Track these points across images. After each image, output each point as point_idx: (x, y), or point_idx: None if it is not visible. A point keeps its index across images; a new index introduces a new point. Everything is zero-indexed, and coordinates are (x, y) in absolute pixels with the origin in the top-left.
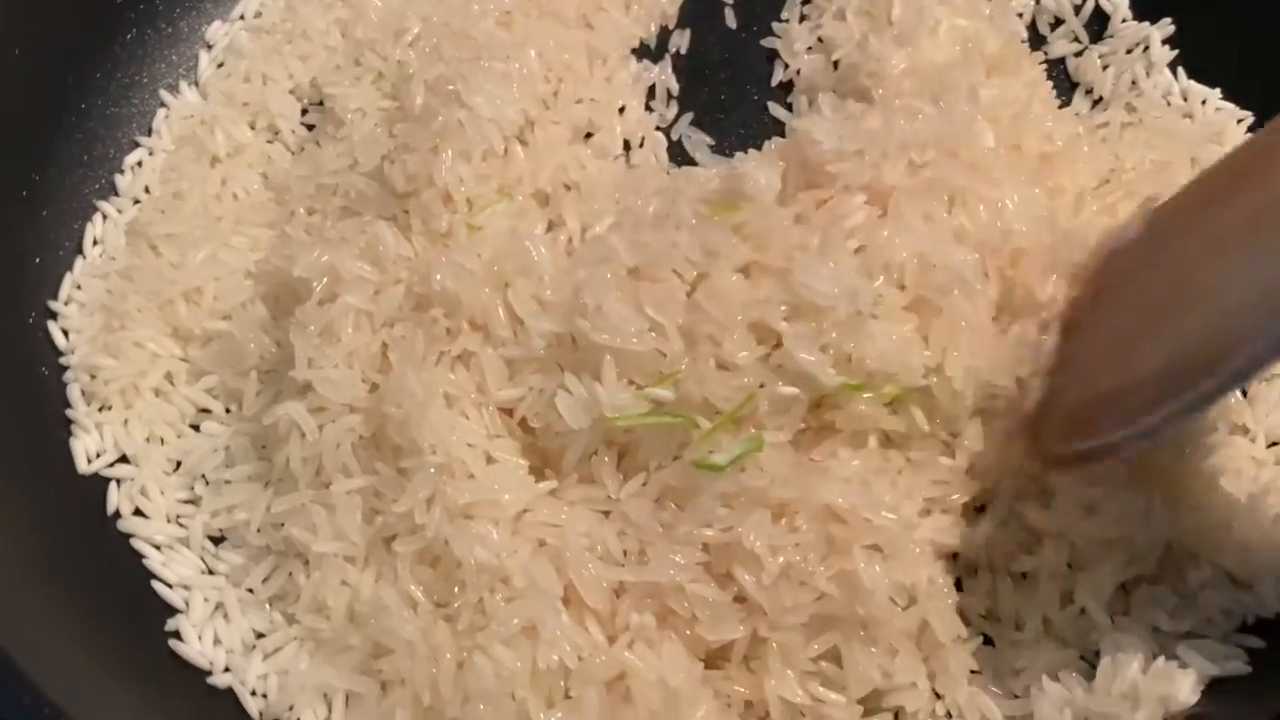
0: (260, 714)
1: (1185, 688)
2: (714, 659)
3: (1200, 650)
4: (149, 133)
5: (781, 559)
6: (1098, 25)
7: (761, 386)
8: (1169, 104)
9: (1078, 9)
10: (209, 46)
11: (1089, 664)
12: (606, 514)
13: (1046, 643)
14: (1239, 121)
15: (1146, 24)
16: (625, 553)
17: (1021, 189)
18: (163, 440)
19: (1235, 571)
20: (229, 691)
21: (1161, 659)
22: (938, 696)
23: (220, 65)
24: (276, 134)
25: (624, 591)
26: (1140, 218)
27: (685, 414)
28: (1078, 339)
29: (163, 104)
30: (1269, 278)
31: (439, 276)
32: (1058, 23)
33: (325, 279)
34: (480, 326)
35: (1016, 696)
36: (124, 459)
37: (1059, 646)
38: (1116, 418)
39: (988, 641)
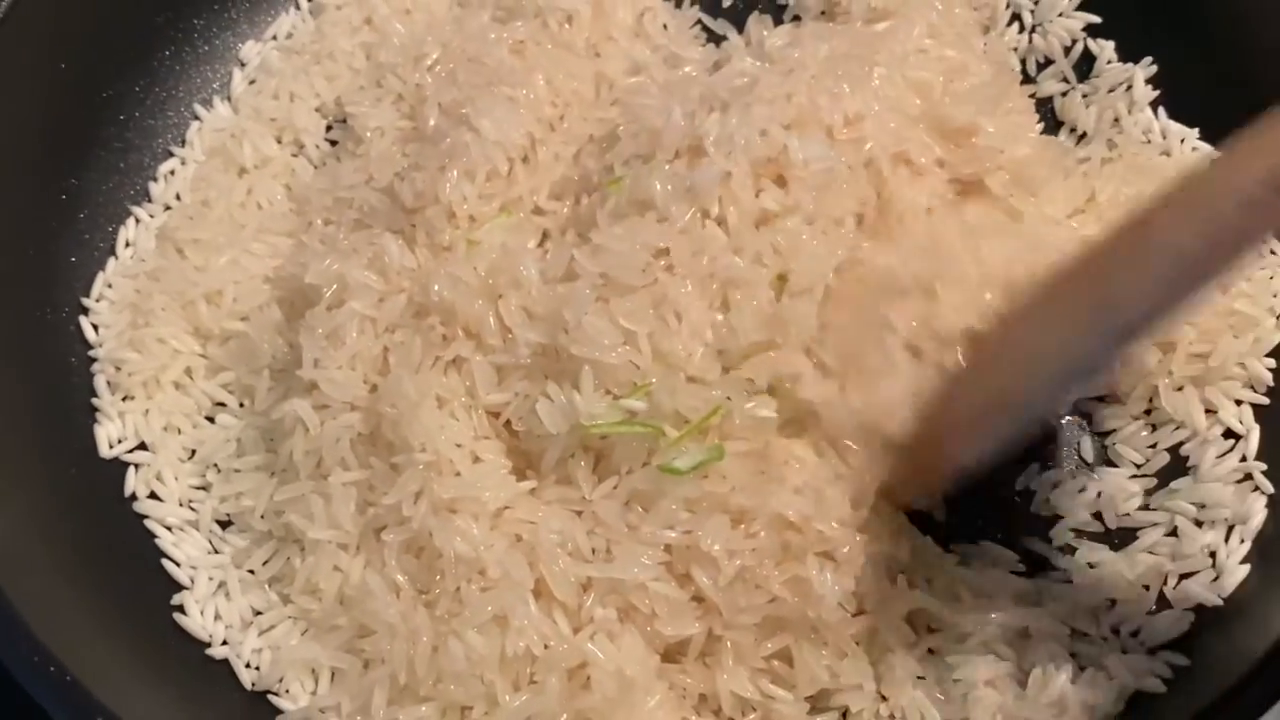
0: (253, 684)
1: (1109, 699)
2: (671, 653)
3: (1127, 664)
4: (183, 143)
5: (738, 562)
6: (1085, 66)
7: (729, 399)
8: (1148, 141)
9: (1067, 50)
10: (242, 64)
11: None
12: (579, 514)
13: (986, 655)
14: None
15: (1131, 65)
16: (594, 550)
17: None
18: (180, 430)
19: None
20: (225, 662)
21: (1090, 670)
22: (883, 698)
23: (252, 82)
24: (301, 148)
25: (590, 586)
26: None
27: (655, 423)
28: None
29: (196, 117)
30: (1059, 339)
31: (437, 287)
32: (1047, 63)
33: (334, 286)
34: (473, 335)
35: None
36: (143, 446)
37: (997, 659)
38: (932, 454)
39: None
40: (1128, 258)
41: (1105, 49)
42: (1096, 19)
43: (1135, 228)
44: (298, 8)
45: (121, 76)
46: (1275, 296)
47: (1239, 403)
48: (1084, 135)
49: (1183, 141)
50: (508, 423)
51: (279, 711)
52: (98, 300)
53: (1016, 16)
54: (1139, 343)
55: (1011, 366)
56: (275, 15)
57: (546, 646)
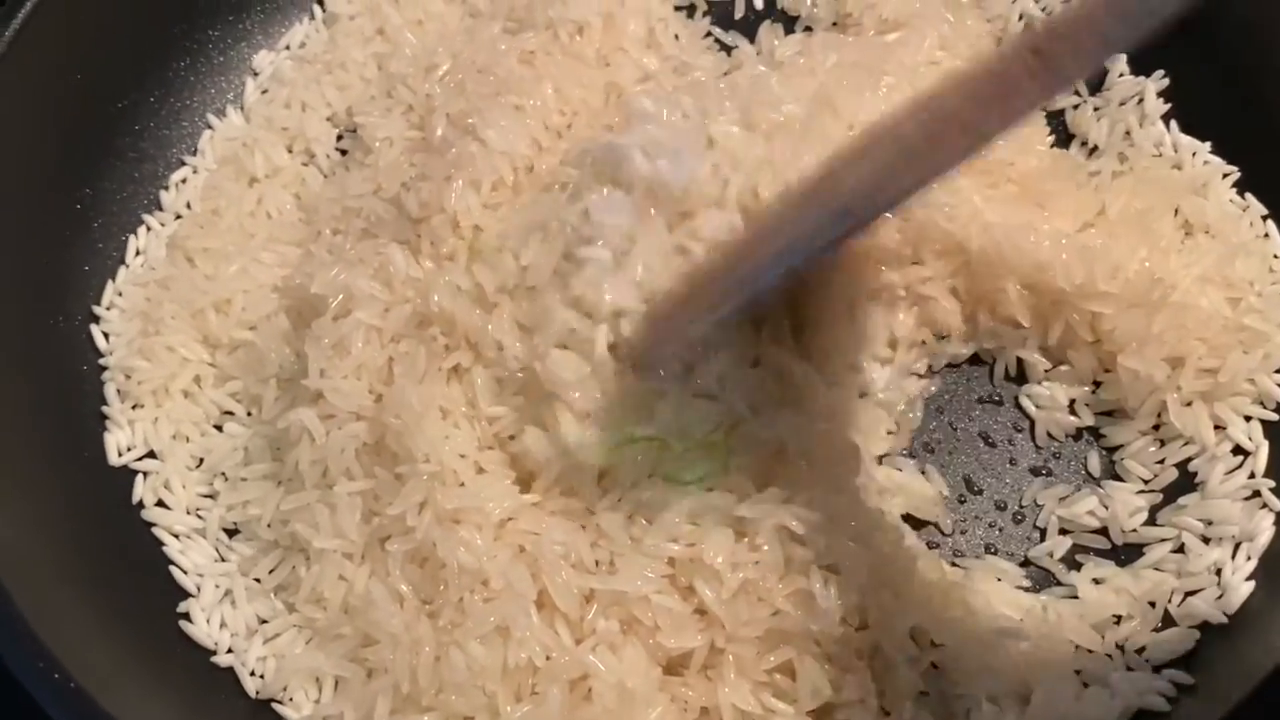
0: (257, 692)
1: (1112, 716)
2: (674, 666)
3: (1131, 681)
4: (195, 153)
5: (741, 575)
6: (1097, 79)
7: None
8: (1160, 154)
9: None
10: (255, 74)
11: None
12: (583, 526)
13: (989, 670)
14: (1225, 176)
15: (1143, 78)
16: (597, 562)
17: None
18: (188, 438)
19: None
20: (229, 670)
21: (1094, 687)
22: (885, 713)
23: (264, 92)
24: (312, 158)
25: (593, 598)
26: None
27: (660, 436)
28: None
29: (210, 127)
30: (784, 216)
31: (436, 297)
32: None
33: (340, 296)
34: (472, 345)
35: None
36: (151, 454)
37: (1001, 675)
38: (663, 324)
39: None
40: (859, 147)
41: (1117, 62)
42: None
43: (874, 127)
44: (312, 18)
45: (137, 86)
46: None
47: (1248, 419)
48: (1095, 148)
49: (1194, 155)
50: (512, 434)
51: None
52: (108, 308)
53: (1029, 28)
54: (862, 225)
55: (744, 245)
56: (289, 25)
57: (548, 658)
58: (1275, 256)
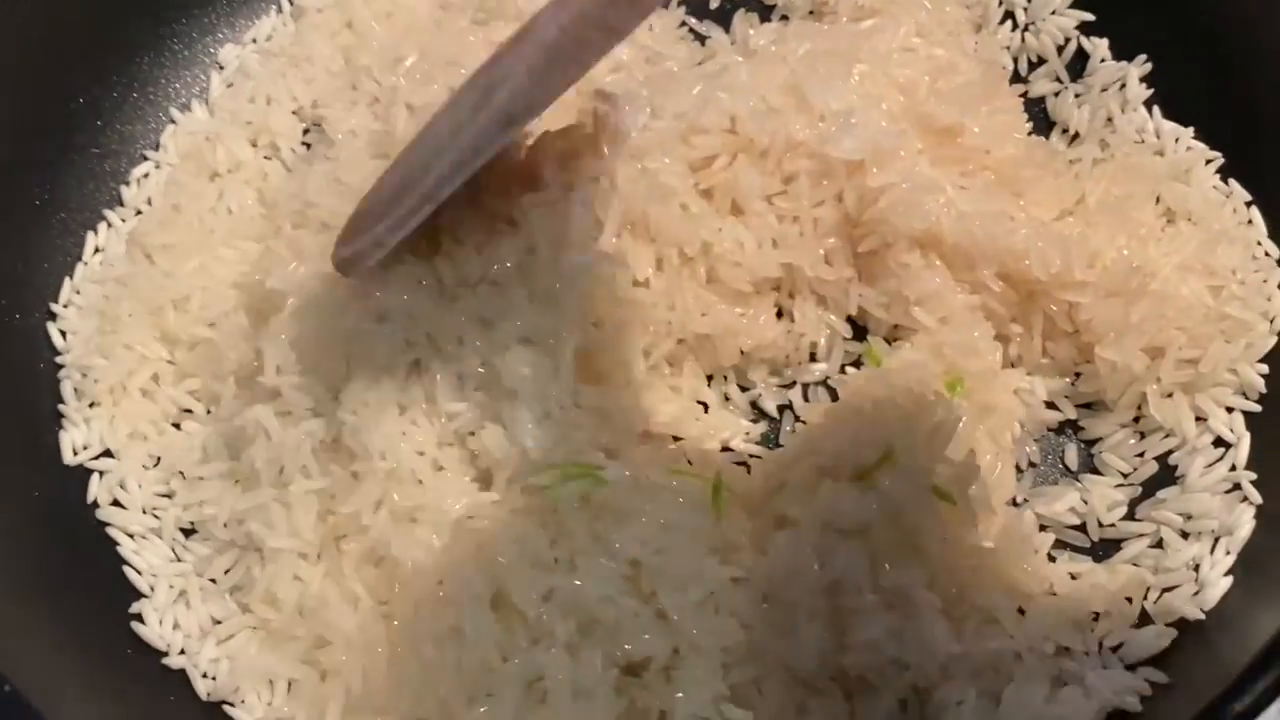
0: (208, 694)
1: (1084, 717)
2: (634, 668)
3: (1106, 681)
4: (158, 148)
5: (709, 589)
6: (1079, 65)
7: None
8: (1142, 141)
9: (1060, 49)
10: (221, 68)
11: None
12: (545, 525)
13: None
14: (1208, 162)
15: (1125, 63)
16: (556, 560)
17: None
18: (145, 437)
19: None
20: (181, 672)
21: (1068, 688)
22: None
23: (230, 86)
24: (276, 152)
25: (552, 596)
26: None
27: (592, 469)
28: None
29: (173, 121)
30: (455, 122)
31: (395, 290)
32: (1040, 62)
33: (298, 292)
34: (433, 339)
35: None
36: (108, 453)
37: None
38: (361, 228)
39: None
40: (507, 53)
41: (1099, 47)
42: (1090, 16)
43: (521, 29)
44: (280, 10)
45: (99, 81)
46: (1269, 300)
47: (1230, 410)
48: (1076, 135)
49: (1177, 140)
50: (472, 431)
51: None
52: (66, 306)
53: (1009, 14)
54: (518, 127)
55: (417, 151)
56: (256, 19)
57: (504, 659)
58: (1258, 243)
